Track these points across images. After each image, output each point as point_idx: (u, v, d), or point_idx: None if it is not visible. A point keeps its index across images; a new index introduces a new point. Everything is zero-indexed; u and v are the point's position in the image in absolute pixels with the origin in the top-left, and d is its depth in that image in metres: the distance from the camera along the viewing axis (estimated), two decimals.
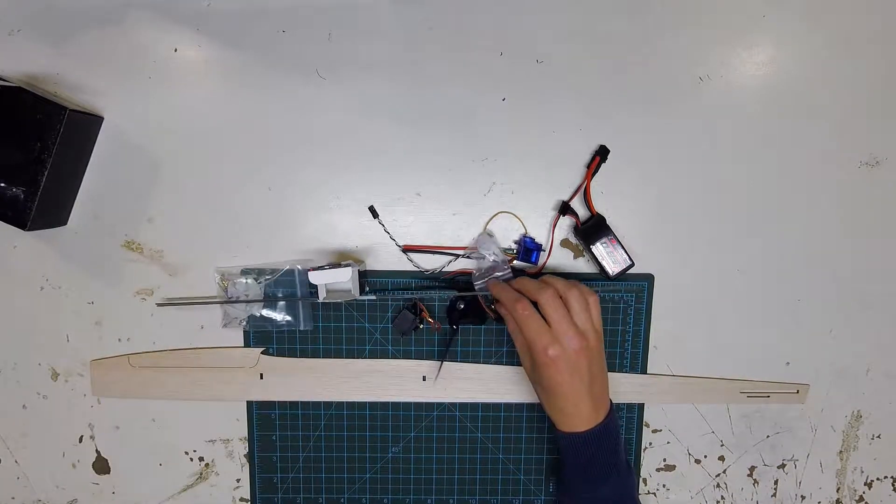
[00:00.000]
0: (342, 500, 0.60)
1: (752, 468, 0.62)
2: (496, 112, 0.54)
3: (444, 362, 0.57)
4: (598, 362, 0.49)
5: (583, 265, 0.57)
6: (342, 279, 0.51)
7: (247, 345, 0.57)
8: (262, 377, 0.58)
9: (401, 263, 0.56)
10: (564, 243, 0.57)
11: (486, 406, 0.59)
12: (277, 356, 0.57)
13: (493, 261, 0.54)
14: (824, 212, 0.57)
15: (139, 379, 0.57)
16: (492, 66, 0.54)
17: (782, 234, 0.57)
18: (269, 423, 0.59)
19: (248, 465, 0.60)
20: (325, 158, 0.55)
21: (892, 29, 0.54)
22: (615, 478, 0.50)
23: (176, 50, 0.53)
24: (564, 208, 0.55)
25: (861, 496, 0.63)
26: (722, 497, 0.62)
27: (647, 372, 0.59)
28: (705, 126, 0.55)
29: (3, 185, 0.47)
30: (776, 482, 0.62)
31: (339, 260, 0.54)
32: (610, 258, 0.54)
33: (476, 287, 0.54)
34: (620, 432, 0.53)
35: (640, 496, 0.61)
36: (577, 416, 0.48)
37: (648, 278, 0.57)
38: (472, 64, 0.54)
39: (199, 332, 0.57)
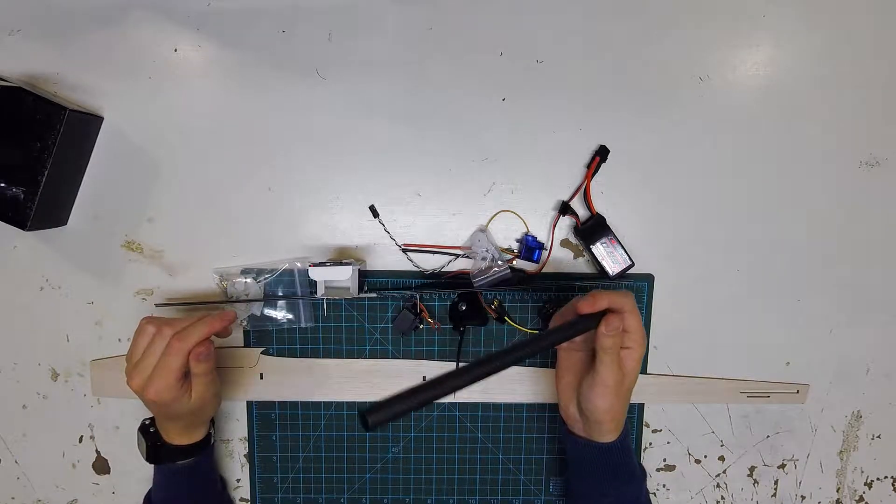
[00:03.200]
0: (342, 500, 0.60)
1: (752, 468, 0.62)
2: (496, 112, 0.54)
3: (448, 364, 0.57)
4: None
5: (583, 265, 0.57)
6: (342, 277, 0.51)
7: (247, 345, 0.57)
8: (262, 377, 0.58)
9: (401, 263, 0.56)
10: (564, 243, 0.57)
11: (486, 406, 0.59)
12: (277, 356, 0.57)
13: (489, 258, 0.54)
14: (824, 212, 0.57)
15: None
16: (492, 66, 0.54)
17: (782, 234, 0.57)
18: (269, 423, 0.59)
19: (248, 465, 0.60)
20: (325, 158, 0.55)
21: (892, 29, 0.54)
22: (636, 477, 0.52)
23: (176, 50, 0.53)
24: (564, 208, 0.55)
25: (861, 496, 0.63)
26: (722, 497, 0.62)
27: (647, 372, 0.59)
28: (705, 126, 0.55)
29: (3, 185, 0.47)
30: (776, 482, 0.62)
31: (340, 258, 0.54)
32: (610, 258, 0.54)
33: (475, 285, 0.54)
34: None
35: None
36: (623, 419, 0.49)
37: (648, 278, 0.57)
38: (472, 64, 0.54)
39: None
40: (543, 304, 0.57)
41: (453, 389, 0.39)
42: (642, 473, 0.54)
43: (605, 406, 0.46)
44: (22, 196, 0.48)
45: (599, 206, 0.56)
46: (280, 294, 0.56)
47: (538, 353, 0.43)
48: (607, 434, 0.48)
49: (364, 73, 0.54)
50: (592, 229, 0.55)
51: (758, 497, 0.62)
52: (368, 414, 0.37)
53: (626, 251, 0.55)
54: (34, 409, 0.59)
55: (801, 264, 0.58)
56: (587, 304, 0.45)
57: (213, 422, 0.54)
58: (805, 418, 0.61)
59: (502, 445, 0.60)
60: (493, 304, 0.56)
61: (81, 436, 0.59)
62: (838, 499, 0.63)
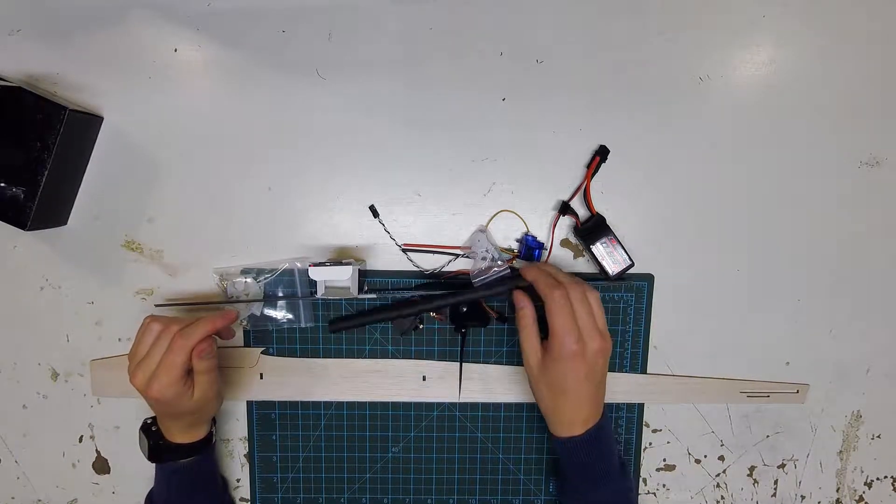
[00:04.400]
0: (342, 500, 0.60)
1: (752, 468, 0.62)
2: (496, 112, 0.54)
3: (448, 364, 0.57)
4: (606, 368, 0.49)
5: (583, 265, 0.57)
6: (342, 277, 0.51)
7: (247, 345, 0.57)
8: (262, 377, 0.58)
9: (401, 263, 0.56)
10: (564, 243, 0.57)
11: (486, 406, 0.59)
12: (277, 356, 0.57)
13: (489, 258, 0.54)
14: (824, 212, 0.57)
15: None
16: (492, 66, 0.54)
17: (782, 234, 0.57)
18: (269, 423, 0.59)
19: (248, 465, 0.60)
20: (325, 158, 0.55)
21: (892, 29, 0.54)
22: (609, 482, 0.51)
23: (176, 50, 0.53)
24: (564, 208, 0.55)
25: (861, 496, 0.63)
26: (722, 497, 0.62)
27: (647, 372, 0.59)
28: (705, 126, 0.55)
29: (3, 185, 0.47)
30: (776, 482, 0.62)
31: (340, 258, 0.54)
32: (610, 258, 0.54)
33: (475, 284, 0.54)
34: (613, 435, 0.54)
35: (640, 496, 0.61)
36: (576, 421, 0.49)
37: (648, 278, 0.57)
38: (472, 64, 0.54)
39: None
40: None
41: (391, 318, 0.55)
42: (619, 478, 0.52)
43: (533, 391, 0.50)
44: (22, 196, 0.48)
45: (599, 206, 0.56)
46: (280, 294, 0.56)
47: (471, 300, 0.54)
48: (552, 427, 0.50)
49: (364, 73, 0.54)
50: (592, 229, 0.55)
51: (758, 497, 0.62)
52: (331, 323, 0.55)
53: (626, 251, 0.55)
54: (34, 409, 0.59)
55: (801, 264, 0.58)
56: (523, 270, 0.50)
57: (214, 420, 0.54)
58: (805, 418, 0.61)
59: (502, 445, 0.60)
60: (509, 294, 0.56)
61: (81, 436, 0.59)
62: (838, 499, 0.63)
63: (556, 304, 0.46)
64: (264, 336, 0.57)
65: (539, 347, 0.49)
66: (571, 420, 0.49)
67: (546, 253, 0.56)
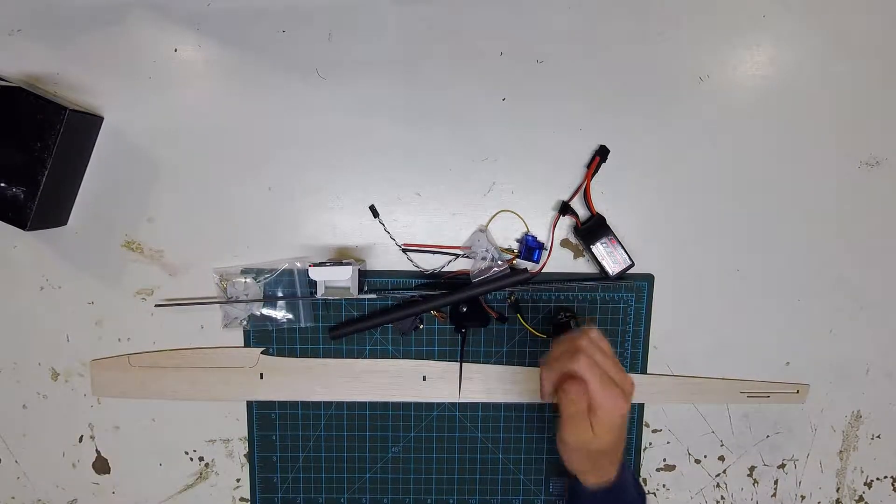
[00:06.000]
0: (342, 500, 0.60)
1: (752, 468, 0.62)
2: (496, 112, 0.54)
3: (448, 364, 0.57)
4: None
5: (583, 265, 0.57)
6: (342, 277, 0.51)
7: (247, 345, 0.57)
8: (262, 377, 0.58)
9: (401, 263, 0.56)
10: (564, 243, 0.57)
11: (486, 406, 0.59)
12: (277, 356, 0.57)
13: (489, 258, 0.54)
14: (824, 212, 0.57)
15: (139, 379, 0.57)
16: (492, 66, 0.54)
17: (782, 235, 0.57)
18: (269, 423, 0.59)
19: (248, 465, 0.60)
20: (325, 158, 0.55)
21: (891, 29, 0.54)
22: None
23: (176, 50, 0.53)
24: (564, 208, 0.55)
25: (861, 496, 0.63)
26: (722, 497, 0.62)
27: (647, 372, 0.59)
28: (705, 126, 0.55)
29: (3, 185, 0.47)
30: (776, 482, 0.62)
31: (340, 258, 0.54)
32: (610, 258, 0.54)
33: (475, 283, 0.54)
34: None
35: None
36: (612, 466, 0.47)
37: (648, 278, 0.57)
38: (472, 64, 0.54)
39: (199, 332, 0.57)
40: (558, 312, 0.56)
41: (392, 321, 0.55)
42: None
43: (566, 460, 0.46)
44: (22, 196, 0.48)
45: (599, 206, 0.56)
46: (280, 294, 0.56)
47: (467, 299, 0.53)
48: (584, 478, 0.47)
49: (364, 73, 0.54)
50: (592, 229, 0.55)
51: (758, 497, 0.62)
52: (332, 329, 0.55)
53: (626, 251, 0.55)
54: (34, 409, 0.59)
55: (801, 264, 0.58)
56: (546, 372, 0.44)
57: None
58: (805, 418, 0.61)
59: (502, 445, 0.60)
60: (510, 298, 0.56)
61: (81, 436, 0.59)
62: (838, 499, 0.63)
63: (588, 370, 0.42)
64: (264, 336, 0.57)
65: (590, 429, 0.43)
66: (609, 469, 0.47)
67: (546, 253, 0.56)
